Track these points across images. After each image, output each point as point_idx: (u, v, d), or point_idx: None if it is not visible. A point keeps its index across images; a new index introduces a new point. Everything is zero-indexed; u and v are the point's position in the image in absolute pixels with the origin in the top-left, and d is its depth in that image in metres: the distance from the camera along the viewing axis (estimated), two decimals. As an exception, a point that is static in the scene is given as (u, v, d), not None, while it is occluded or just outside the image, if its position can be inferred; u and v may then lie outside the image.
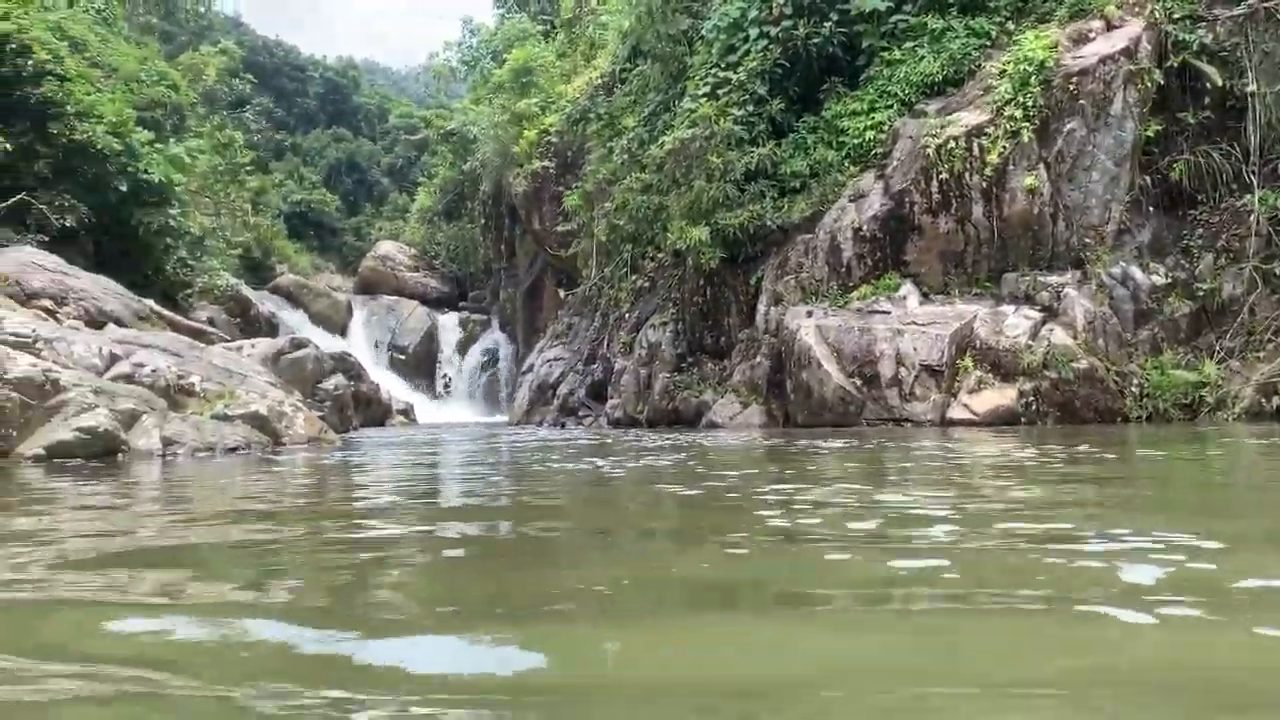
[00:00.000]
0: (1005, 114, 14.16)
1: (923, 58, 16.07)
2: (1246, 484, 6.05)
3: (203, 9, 59.92)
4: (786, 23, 16.84)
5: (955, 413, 13.44)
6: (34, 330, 9.85)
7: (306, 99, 66.86)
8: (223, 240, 32.00)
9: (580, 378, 22.53)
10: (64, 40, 24.14)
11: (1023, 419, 13.10)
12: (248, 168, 38.28)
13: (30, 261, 13.66)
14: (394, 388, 30.83)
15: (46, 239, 19.55)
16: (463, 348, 40.39)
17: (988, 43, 15.85)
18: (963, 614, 2.36)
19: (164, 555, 3.66)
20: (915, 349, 13.82)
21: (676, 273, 18.74)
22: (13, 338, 9.41)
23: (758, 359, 16.27)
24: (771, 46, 16.99)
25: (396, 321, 41.49)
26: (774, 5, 16.96)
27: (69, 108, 21.31)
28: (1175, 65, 14.36)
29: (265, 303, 34.04)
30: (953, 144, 14.43)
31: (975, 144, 14.36)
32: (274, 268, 45.50)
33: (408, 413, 27.74)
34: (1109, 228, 14.36)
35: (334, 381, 19.17)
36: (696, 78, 18.27)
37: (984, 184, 14.32)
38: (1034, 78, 14.03)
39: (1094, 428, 12.01)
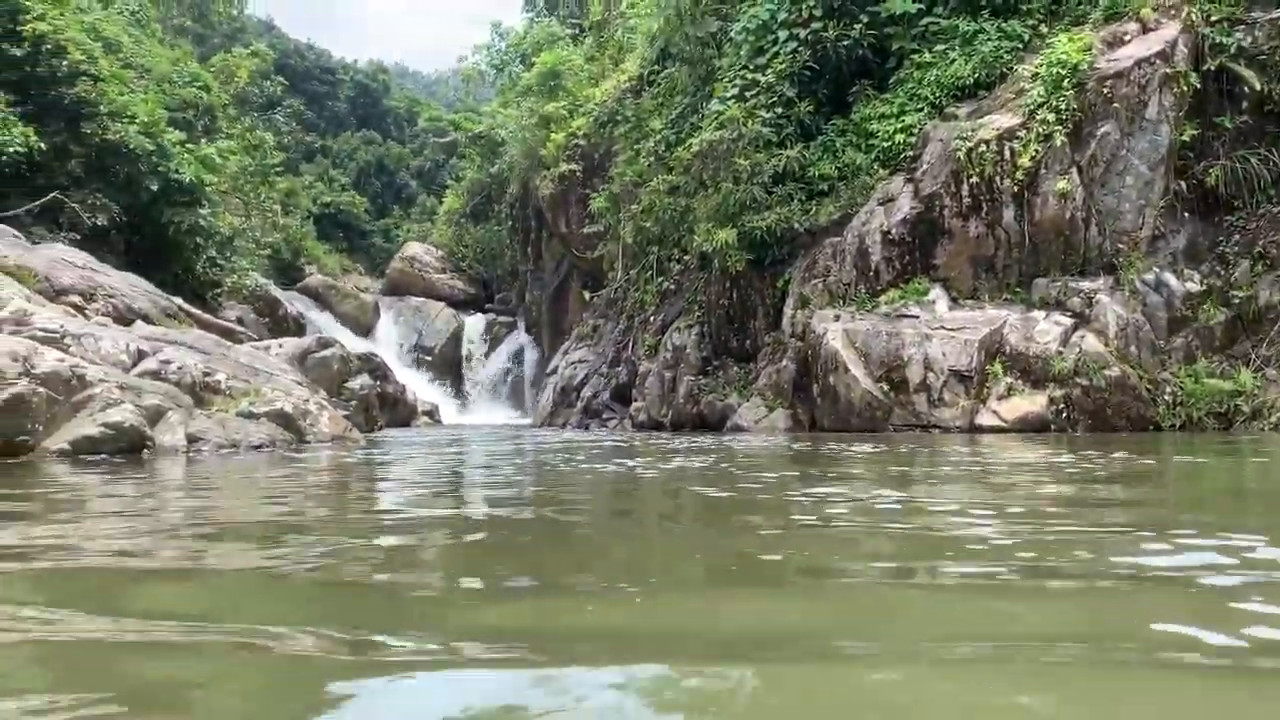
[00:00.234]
0: (1038, 117, 13.98)
1: (954, 60, 15.92)
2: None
3: (235, 12, 60.48)
4: (816, 25, 16.74)
5: (984, 419, 13.27)
6: (62, 326, 9.91)
7: (337, 102, 67.30)
8: (252, 240, 32.24)
9: (604, 380, 22.47)
10: (98, 41, 24.39)
11: (1053, 426, 12.90)
12: (278, 169, 38.57)
13: (60, 258, 13.77)
14: (420, 389, 30.92)
15: (79, 237, 19.77)
16: (488, 349, 40.47)
17: (1020, 45, 15.68)
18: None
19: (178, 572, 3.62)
20: (944, 354, 13.66)
21: (702, 275, 18.66)
22: (41, 333, 9.46)
23: (783, 363, 16.14)
24: (800, 49, 16.89)
25: (423, 323, 41.65)
26: (803, 7, 16.86)
27: (102, 108, 21.54)
28: (1212, 69, 14.12)
29: (294, 303, 34.25)
30: (984, 147, 14.26)
31: (1007, 147, 14.19)
32: (303, 268, 45.84)
33: (433, 414, 27.79)
34: (1143, 233, 14.14)
35: (360, 381, 19.20)
36: (725, 80, 18.19)
37: (1015, 188, 14.14)
38: (1067, 80, 13.84)
39: (1126, 436, 11.80)
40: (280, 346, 18.18)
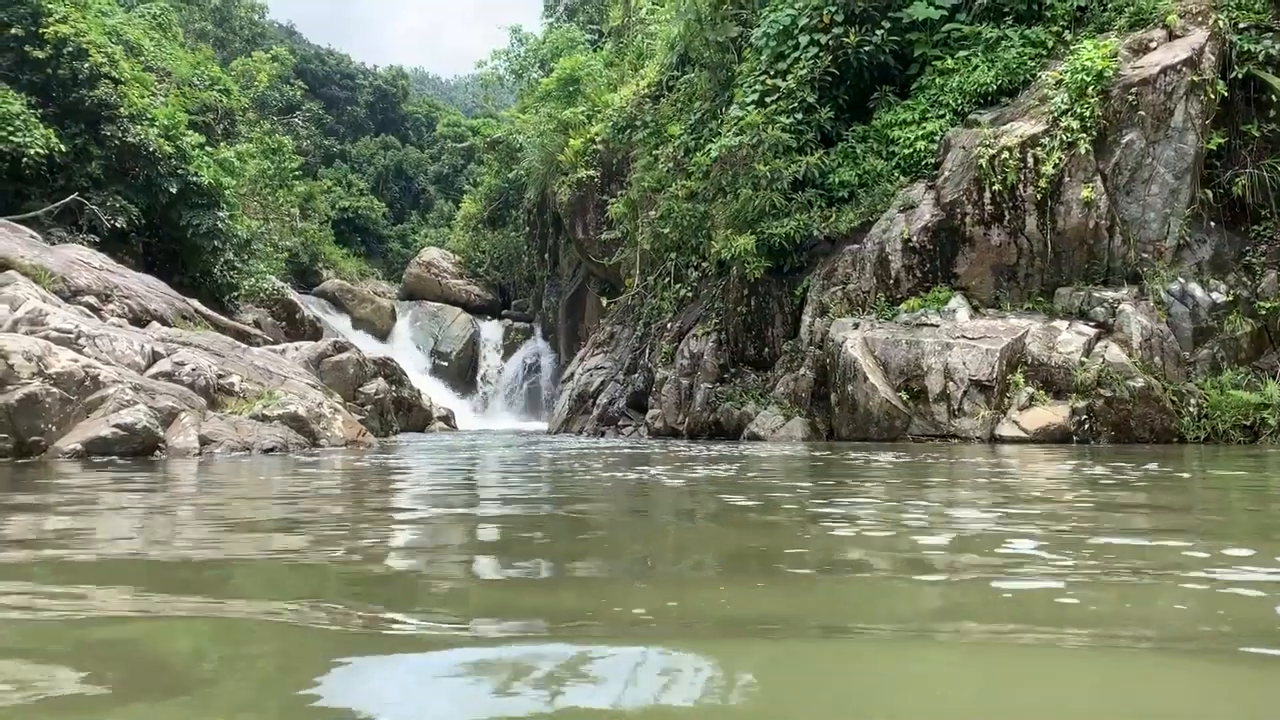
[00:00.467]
0: (1061, 124, 13.81)
1: (976, 67, 15.77)
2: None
3: (256, 17, 60.84)
4: (837, 30, 16.61)
5: (1005, 430, 13.08)
6: (77, 326, 9.87)
7: (356, 107, 67.65)
8: (270, 244, 32.31)
9: (621, 387, 22.36)
10: (120, 44, 24.52)
11: (1075, 438, 12.71)
12: (296, 173, 38.69)
13: (76, 259, 13.77)
14: (435, 394, 30.91)
15: (98, 239, 19.86)
16: (505, 355, 40.45)
17: (1044, 52, 15.52)
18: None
19: (195, 564, 3.53)
20: (965, 364, 13.49)
21: (720, 282, 18.53)
22: (56, 333, 9.42)
23: (802, 371, 16.00)
24: (821, 54, 16.76)
25: (439, 328, 41.69)
26: (825, 13, 16.73)
27: (123, 110, 21.65)
28: (1240, 76, 13.91)
29: (311, 307, 34.31)
30: (1006, 155, 14.09)
31: (1030, 155, 14.02)
32: (320, 272, 46.02)
33: (449, 419, 27.74)
34: (1168, 243, 13.93)
35: (375, 386, 19.16)
36: (744, 85, 18.06)
37: (1038, 196, 13.96)
38: (1092, 88, 13.67)
39: (1150, 448, 11.60)
40: (296, 350, 18.17)
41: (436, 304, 43.69)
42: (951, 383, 13.49)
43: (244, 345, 13.46)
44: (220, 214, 23.45)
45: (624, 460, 9.57)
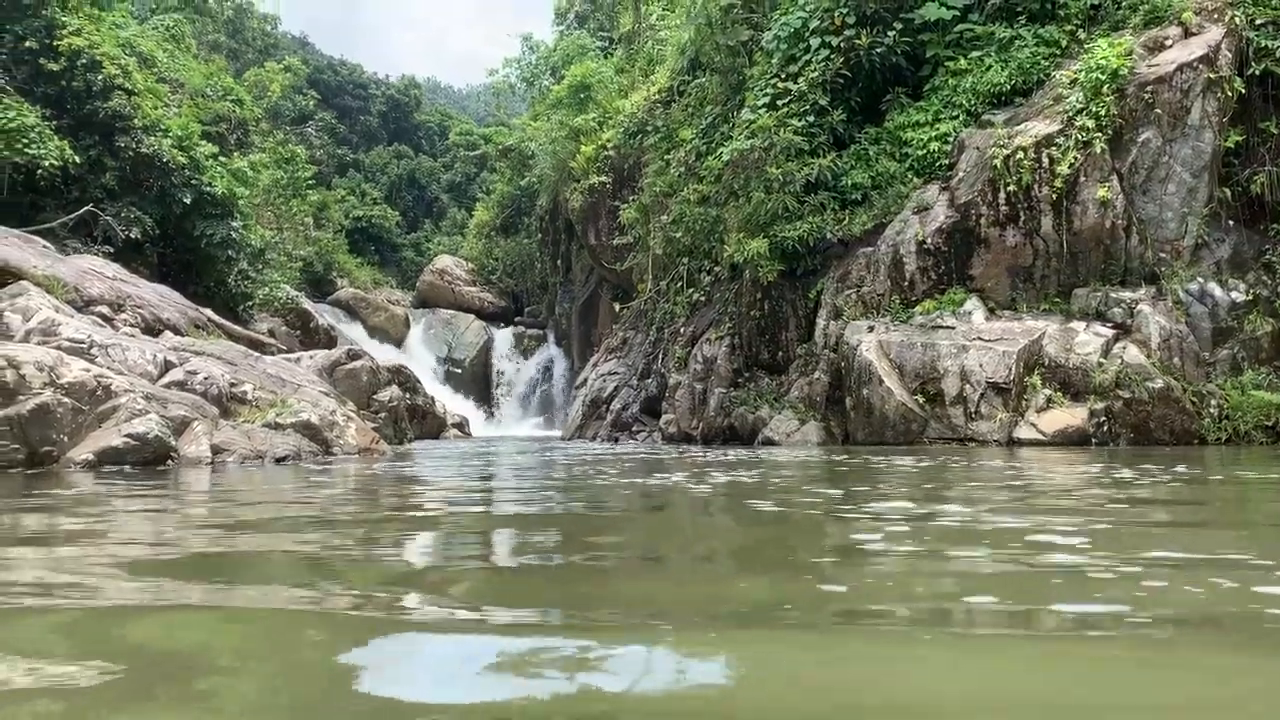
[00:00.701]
0: (1076, 124, 13.69)
1: (989, 67, 15.66)
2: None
3: (269, 28, 61.17)
4: (849, 32, 16.53)
5: (1022, 432, 12.95)
6: (89, 336, 9.87)
7: (369, 116, 67.92)
8: (284, 253, 32.40)
9: (634, 392, 22.30)
10: (133, 56, 24.63)
11: (1094, 440, 12.56)
12: (309, 182, 38.82)
13: (89, 269, 13.80)
14: (449, 401, 30.90)
15: (113, 250, 19.92)
16: (518, 362, 40.46)
17: (1058, 51, 15.41)
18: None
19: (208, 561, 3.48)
20: (981, 366, 13.36)
21: (733, 286, 18.45)
22: (68, 343, 9.42)
23: (816, 375, 15.89)
24: (833, 56, 16.68)
25: (453, 335, 41.75)
26: (836, 15, 16.66)
27: (136, 121, 21.74)
28: (1257, 73, 13.76)
29: (325, 315, 34.39)
30: (1021, 155, 13.98)
31: (1045, 155, 13.90)
32: (335, 281, 46.16)
33: (463, 426, 27.71)
34: (1186, 242, 13.78)
35: (389, 393, 19.12)
36: (756, 89, 17.99)
37: (1054, 196, 13.83)
38: (1107, 86, 13.55)
39: (1170, 449, 11.45)
40: (311, 358, 18.17)
41: (450, 311, 43.78)
42: (968, 385, 13.37)
43: (257, 354, 13.45)
44: (234, 224, 23.50)
45: (640, 466, 9.48)
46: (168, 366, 10.58)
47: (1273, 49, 13.66)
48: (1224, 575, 2.77)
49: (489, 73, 48.96)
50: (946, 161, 15.59)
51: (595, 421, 23.00)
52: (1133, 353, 12.87)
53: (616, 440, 20.55)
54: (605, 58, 37.34)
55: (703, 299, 20.79)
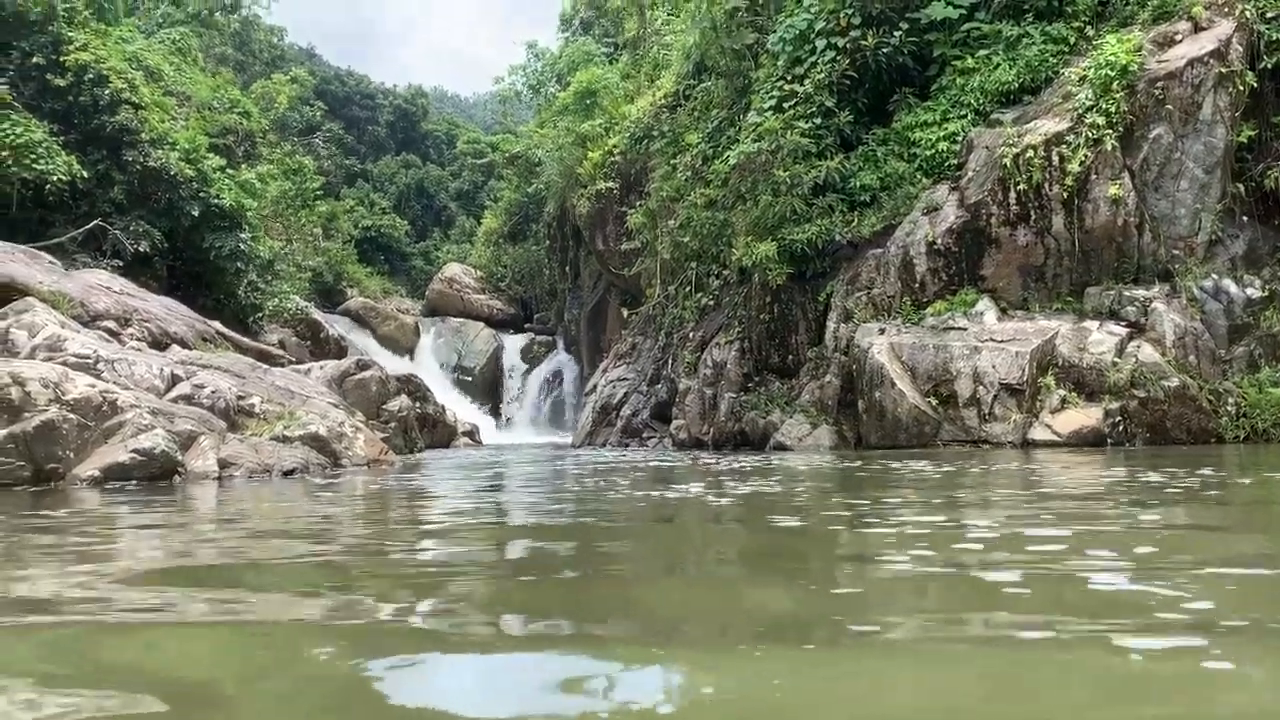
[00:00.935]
0: (1086, 121, 13.54)
1: (997, 65, 15.53)
2: None
3: (276, 40, 61.37)
4: (854, 33, 16.42)
5: (1037, 434, 12.80)
6: (95, 351, 9.83)
7: (377, 126, 68.09)
8: (293, 264, 32.43)
9: (644, 398, 22.20)
10: (140, 70, 24.68)
11: (1109, 440, 12.41)
12: (317, 193, 38.89)
13: (96, 283, 13.78)
14: (460, 409, 30.86)
15: (122, 264, 19.94)
16: (528, 369, 40.41)
17: (1066, 49, 15.27)
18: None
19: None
20: (994, 367, 13.22)
21: (742, 290, 18.34)
22: (74, 359, 9.38)
23: (827, 378, 15.77)
24: (839, 58, 16.57)
25: (463, 343, 41.73)
26: (841, 16, 16.55)
27: (144, 135, 21.78)
28: (1269, 66, 13.61)
29: (335, 325, 34.39)
30: (1031, 153, 13.84)
31: (1055, 153, 13.76)
32: (345, 291, 46.21)
33: (473, 434, 27.64)
34: (1199, 239, 13.62)
35: (399, 403, 19.09)
36: (762, 91, 17.90)
37: (1065, 194, 13.69)
38: (1117, 83, 13.40)
39: (1188, 449, 11.29)
40: (321, 369, 18.15)
41: (459, 319, 43.76)
42: (981, 387, 13.23)
43: (265, 366, 13.41)
44: (242, 235, 23.51)
45: (654, 476, 9.36)
46: (174, 380, 10.54)
47: (1284, 42, 13.50)
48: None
49: (495, 80, 49.04)
50: (955, 161, 15.46)
51: (605, 428, 22.90)
52: (1147, 351, 12.72)
53: (627, 446, 20.45)
54: (611, 64, 37.33)
55: (712, 303, 20.69)
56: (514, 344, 41.88)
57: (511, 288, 46.64)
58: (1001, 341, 13.47)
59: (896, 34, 16.28)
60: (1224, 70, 13.34)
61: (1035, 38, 15.41)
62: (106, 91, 21.46)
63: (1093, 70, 13.71)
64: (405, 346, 41.63)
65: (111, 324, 12.29)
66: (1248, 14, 13.72)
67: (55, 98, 21.13)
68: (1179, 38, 13.98)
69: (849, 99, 16.78)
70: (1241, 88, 13.45)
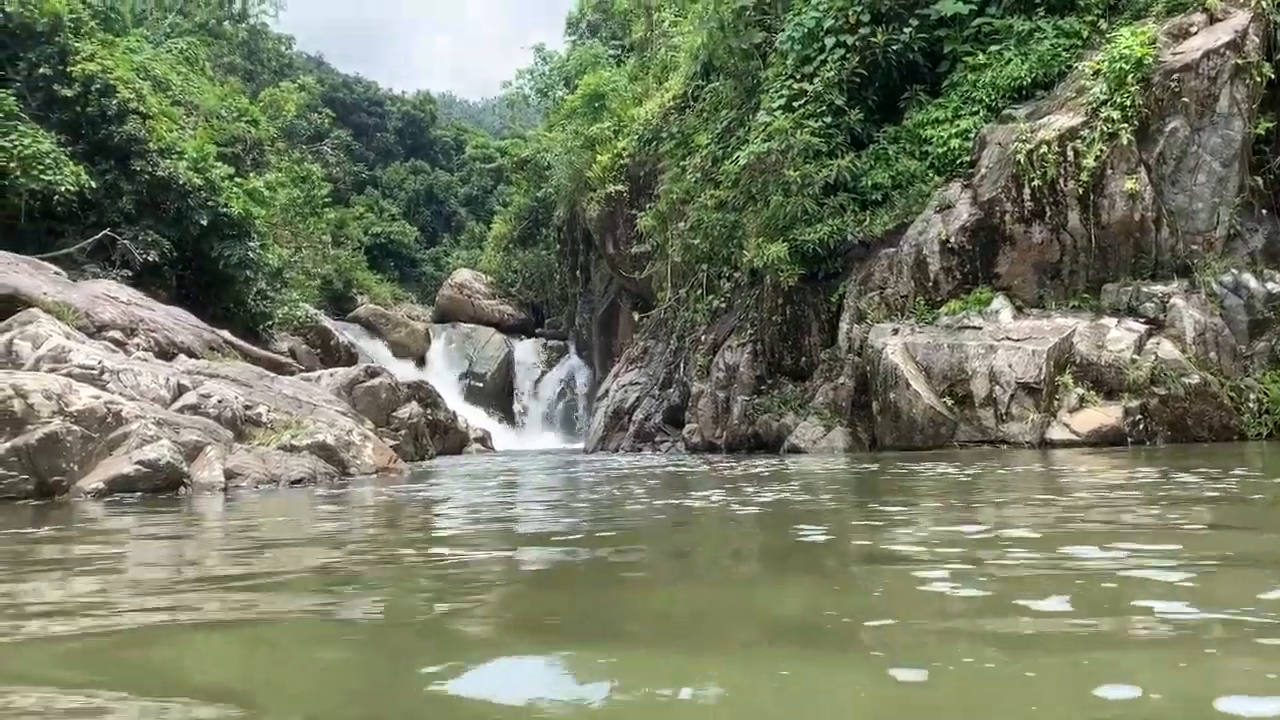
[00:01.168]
0: (1101, 115, 13.33)
1: (1009, 61, 15.33)
2: None
3: (284, 48, 61.50)
4: (864, 30, 16.24)
5: (1055, 433, 12.59)
6: (100, 362, 9.73)
7: (385, 133, 68.17)
8: (302, 272, 32.40)
9: (656, 402, 22.05)
10: (147, 80, 24.67)
11: (1129, 439, 12.19)
12: (326, 200, 38.87)
13: (101, 293, 13.71)
14: (471, 415, 30.77)
15: (131, 274, 19.89)
16: (540, 374, 40.29)
17: (1079, 43, 15.05)
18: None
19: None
20: (1010, 366, 13.02)
21: (754, 292, 18.17)
22: (78, 370, 9.28)
23: (841, 379, 15.59)
24: (849, 55, 16.40)
25: (474, 349, 41.64)
26: (850, 13, 16.38)
27: (151, 145, 21.75)
28: (1287, 57, 13.39)
29: (345, 333, 34.35)
30: (1045, 149, 13.64)
31: (1069, 148, 13.56)
32: (355, 298, 46.19)
33: (485, 440, 27.55)
34: (1218, 233, 13.39)
35: (408, 410, 18.98)
36: (771, 91, 17.72)
37: (1080, 190, 13.48)
38: (1131, 76, 13.19)
39: (1211, 446, 11.07)
40: (330, 377, 18.05)
41: (470, 325, 43.68)
42: (997, 386, 13.03)
43: (273, 375, 13.30)
44: (251, 244, 23.46)
45: (672, 483, 9.15)
46: (180, 390, 10.43)
47: (1302, 32, 13.27)
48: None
49: (503, 85, 49.00)
50: (968, 158, 15.26)
51: (618, 433, 22.76)
52: (1167, 348, 12.50)
53: (640, 451, 20.31)
54: (618, 66, 37.22)
55: (723, 305, 20.53)
56: (525, 349, 41.78)
57: (522, 293, 46.55)
58: (1018, 340, 13.27)
59: (906, 30, 16.10)
60: (1240, 62, 13.11)
61: (1047, 32, 15.21)
62: (114, 101, 21.43)
63: (1107, 64, 13.50)
64: (416, 353, 41.56)
65: (117, 334, 12.20)
66: (1264, 4, 13.48)
67: (63, 108, 21.12)
68: (1194, 29, 13.76)
69: (859, 97, 16.60)
70: (1258, 79, 13.23)
